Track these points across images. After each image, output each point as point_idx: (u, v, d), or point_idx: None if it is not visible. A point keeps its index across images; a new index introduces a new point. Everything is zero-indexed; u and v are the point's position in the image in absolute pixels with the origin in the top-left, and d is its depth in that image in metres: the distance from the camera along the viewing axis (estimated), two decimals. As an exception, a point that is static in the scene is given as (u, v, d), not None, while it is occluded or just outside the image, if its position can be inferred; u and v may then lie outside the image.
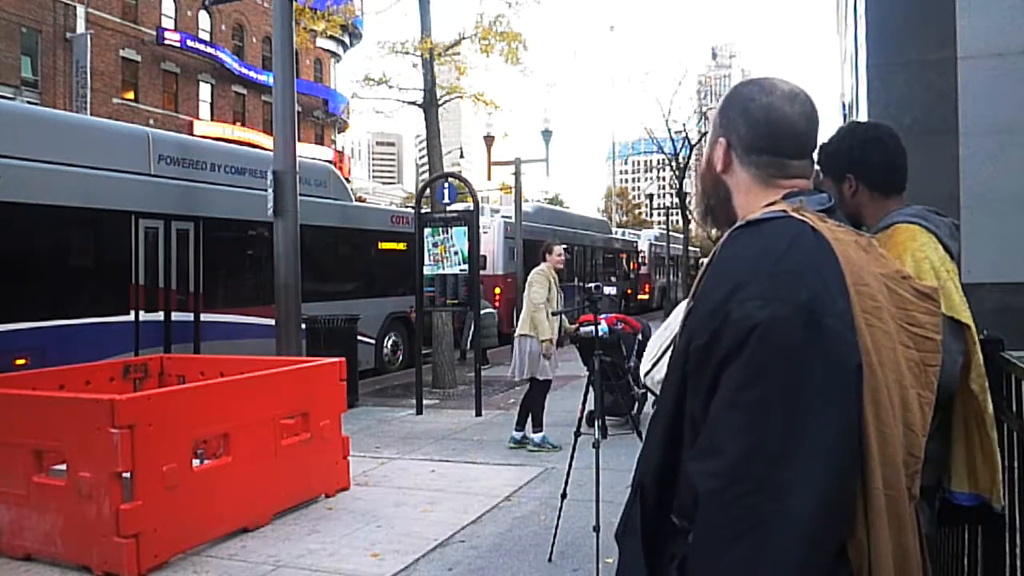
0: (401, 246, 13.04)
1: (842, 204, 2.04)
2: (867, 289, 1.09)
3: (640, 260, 29.91)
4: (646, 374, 2.09)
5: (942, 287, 1.80)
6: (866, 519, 1.03)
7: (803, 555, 0.95)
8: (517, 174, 17.90)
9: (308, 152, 30.27)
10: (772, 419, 0.98)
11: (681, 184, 27.09)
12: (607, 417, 6.62)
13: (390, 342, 12.97)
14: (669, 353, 1.95)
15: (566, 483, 4.50)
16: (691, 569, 1.03)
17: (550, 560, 4.32)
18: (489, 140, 18.81)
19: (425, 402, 9.29)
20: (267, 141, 21.76)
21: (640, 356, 7.54)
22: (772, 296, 1.01)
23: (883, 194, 2.09)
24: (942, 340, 1.20)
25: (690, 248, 30.07)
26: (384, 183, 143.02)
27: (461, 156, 34.71)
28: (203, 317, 9.39)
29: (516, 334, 7.15)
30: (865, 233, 1.20)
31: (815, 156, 1.28)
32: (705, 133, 27.51)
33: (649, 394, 7.57)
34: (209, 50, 31.86)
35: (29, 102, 20.83)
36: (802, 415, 0.97)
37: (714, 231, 1.41)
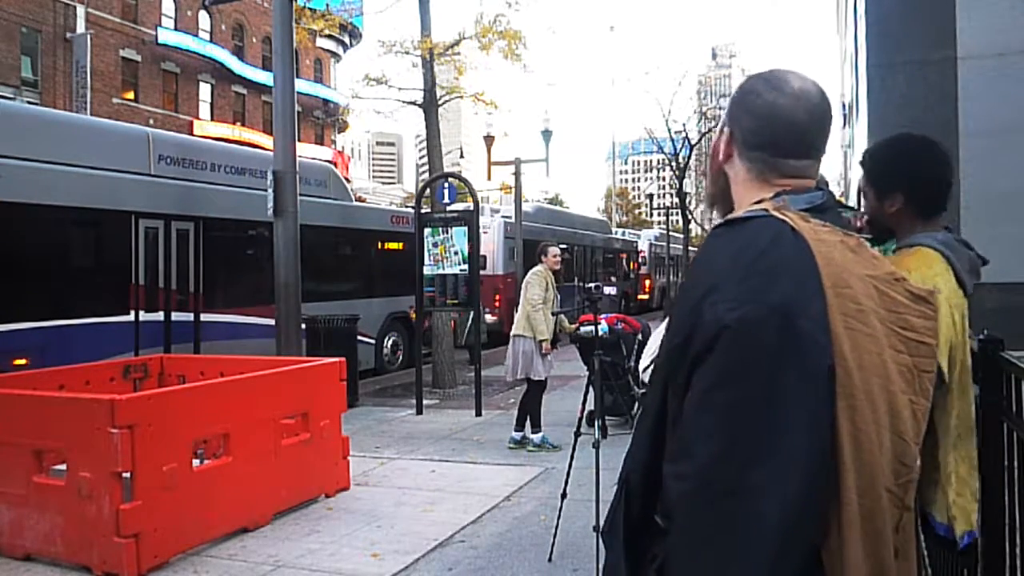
0: (401, 246, 13.05)
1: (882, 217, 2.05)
2: (849, 291, 1.06)
3: (640, 260, 29.89)
4: (644, 370, 2.10)
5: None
6: (838, 527, 1.01)
7: (774, 559, 0.94)
8: (517, 174, 17.90)
9: (308, 152, 30.28)
10: (741, 422, 0.97)
11: (681, 184, 27.06)
12: (607, 417, 6.60)
13: (390, 342, 12.96)
14: None
15: (566, 483, 4.50)
16: (668, 570, 1.03)
17: (550, 560, 4.32)
18: (489, 140, 18.81)
19: (425, 402, 9.29)
20: (267, 141, 21.78)
21: (640, 356, 7.55)
22: (744, 298, 1.00)
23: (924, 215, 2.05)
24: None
25: (690, 248, 30.05)
26: (384, 183, 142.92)
27: (461, 156, 34.68)
28: (203, 317, 9.39)
29: (511, 334, 7.16)
30: (854, 234, 1.16)
31: (821, 155, 1.24)
32: (705, 133, 27.52)
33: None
34: (207, 50, 31.85)
35: (29, 102, 20.83)
36: (772, 418, 0.96)
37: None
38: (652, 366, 2.10)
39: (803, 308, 1.00)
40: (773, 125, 1.19)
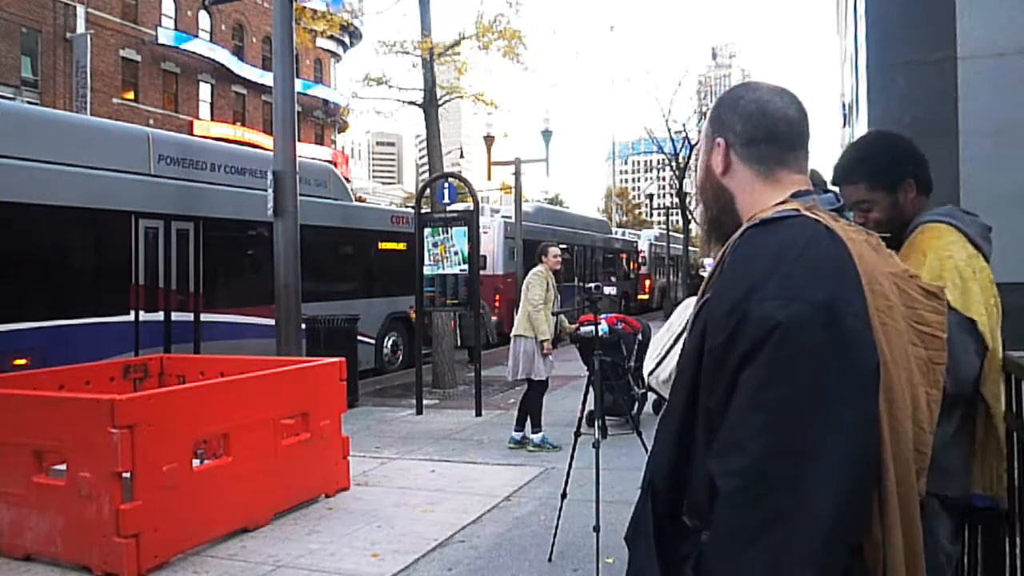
0: (401, 246, 13.05)
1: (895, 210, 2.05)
2: (880, 288, 1.10)
3: (640, 260, 29.88)
4: (649, 373, 2.09)
5: (965, 287, 1.80)
6: (881, 517, 1.04)
7: (823, 553, 0.96)
8: (517, 174, 17.90)
9: (308, 152, 30.27)
10: (793, 418, 0.98)
11: (681, 184, 27.08)
12: (607, 417, 6.62)
13: (390, 342, 12.97)
14: (675, 352, 1.94)
15: (566, 483, 4.50)
16: (708, 567, 1.04)
17: (550, 560, 4.31)
18: (489, 140, 18.81)
19: (425, 402, 9.29)
20: (267, 141, 21.78)
21: (640, 357, 7.54)
22: (791, 295, 1.01)
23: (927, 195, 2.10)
24: (959, 337, 1.21)
25: (690, 248, 30.04)
26: (384, 183, 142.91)
27: (461, 156, 34.66)
28: (203, 317, 9.39)
29: (512, 334, 7.17)
30: (873, 233, 1.21)
31: (809, 150, 1.28)
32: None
33: (649, 393, 7.58)
34: (207, 50, 31.84)
35: (29, 102, 20.82)
36: (822, 414, 0.98)
37: None
38: (657, 368, 2.08)
39: (848, 305, 1.03)
40: (766, 119, 1.23)
